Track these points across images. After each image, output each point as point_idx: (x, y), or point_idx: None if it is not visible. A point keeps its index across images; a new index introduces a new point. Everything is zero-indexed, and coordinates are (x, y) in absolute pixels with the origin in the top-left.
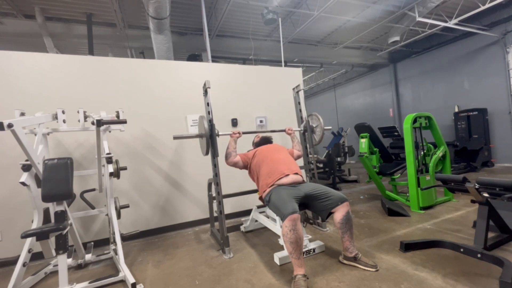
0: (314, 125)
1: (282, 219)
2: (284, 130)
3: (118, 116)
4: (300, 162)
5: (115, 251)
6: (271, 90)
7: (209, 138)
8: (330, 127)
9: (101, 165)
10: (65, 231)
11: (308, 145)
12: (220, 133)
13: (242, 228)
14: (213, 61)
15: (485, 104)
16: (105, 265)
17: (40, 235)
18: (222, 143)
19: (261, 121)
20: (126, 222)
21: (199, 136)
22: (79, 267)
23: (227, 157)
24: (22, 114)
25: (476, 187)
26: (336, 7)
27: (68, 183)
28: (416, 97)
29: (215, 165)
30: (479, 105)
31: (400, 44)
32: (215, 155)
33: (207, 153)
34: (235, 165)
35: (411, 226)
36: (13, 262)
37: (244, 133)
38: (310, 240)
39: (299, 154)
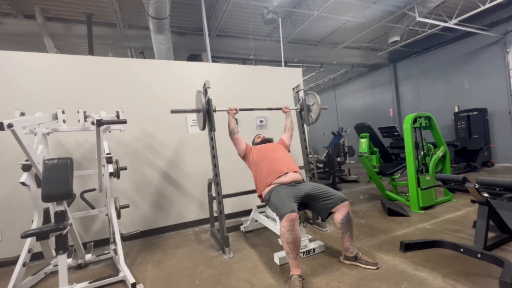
0: (310, 103)
1: (280, 219)
2: (280, 109)
3: (118, 116)
4: (300, 162)
5: (115, 251)
6: (271, 90)
7: (206, 113)
8: (326, 106)
9: (101, 165)
10: (65, 231)
11: (305, 125)
12: (217, 109)
13: (242, 228)
14: (213, 61)
15: (485, 104)
16: (105, 265)
17: (40, 235)
18: (222, 148)
19: (261, 121)
20: (126, 222)
21: (197, 111)
22: (79, 267)
23: (231, 133)
24: (22, 114)
25: (476, 187)
26: (336, 7)
27: (68, 183)
28: (416, 97)
29: (215, 165)
30: (479, 105)
31: (400, 44)
32: (212, 130)
33: (204, 128)
34: (237, 144)
35: (411, 226)
36: (13, 262)
37: (241, 109)
38: (310, 240)
39: (289, 134)
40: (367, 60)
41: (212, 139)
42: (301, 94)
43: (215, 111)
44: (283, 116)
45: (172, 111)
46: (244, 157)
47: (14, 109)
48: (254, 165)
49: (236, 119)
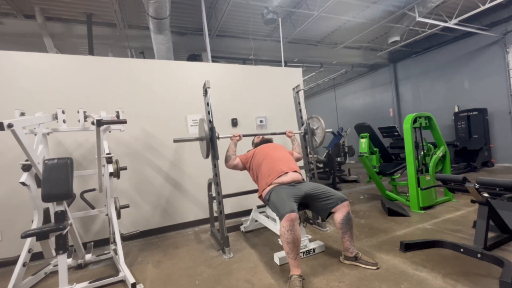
0: (314, 127)
1: (280, 218)
2: (284, 133)
3: (118, 116)
4: (300, 162)
5: (115, 251)
6: (271, 90)
7: (210, 141)
8: (330, 129)
9: (101, 165)
10: (65, 231)
11: (308, 148)
12: (220, 136)
13: (242, 228)
14: (213, 61)
15: (485, 104)
16: (105, 265)
17: (40, 235)
18: (222, 146)
19: (261, 121)
20: (126, 222)
21: (199, 139)
22: (79, 267)
23: (226, 160)
24: (22, 114)
25: (476, 187)
26: (336, 7)
27: (68, 183)
28: (416, 97)
29: (215, 165)
30: (479, 105)
31: (400, 44)
32: (215, 158)
33: (207, 156)
34: (234, 167)
35: (411, 226)
36: (13, 262)
37: (244, 135)
38: (310, 240)
39: (299, 156)
40: (367, 60)
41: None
42: (305, 117)
43: (218, 138)
44: (283, 117)
45: (175, 141)
46: (244, 167)
47: (14, 109)
48: (256, 166)
49: (237, 120)
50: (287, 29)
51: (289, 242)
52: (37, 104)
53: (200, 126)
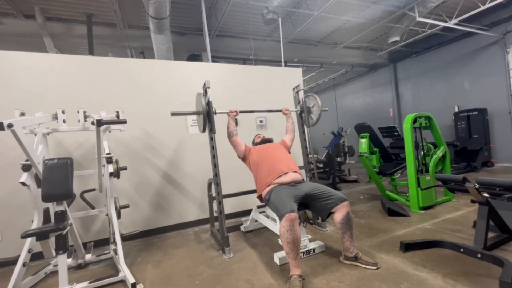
0: (311, 105)
1: (280, 218)
2: (280, 111)
3: (118, 116)
4: (300, 162)
5: (115, 251)
6: (271, 90)
7: (206, 115)
8: (327, 108)
9: (101, 165)
10: (65, 231)
11: (305, 126)
12: (217, 111)
13: (242, 228)
14: (213, 61)
15: (485, 104)
16: (105, 265)
17: (40, 235)
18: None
19: (261, 121)
20: (126, 222)
21: (197, 113)
22: (79, 267)
23: (230, 135)
24: (22, 114)
25: (476, 187)
26: (336, 7)
27: (68, 183)
28: (416, 97)
29: (215, 165)
30: (479, 105)
31: (400, 44)
32: (212, 132)
33: (204, 130)
34: (236, 146)
35: (411, 226)
36: (13, 262)
37: (241, 111)
38: (310, 240)
39: (292, 136)
40: (367, 60)
41: (212, 139)
42: (302, 95)
43: (215, 113)
44: (283, 116)
45: (172, 114)
46: (243, 158)
47: (14, 109)
48: (254, 165)
49: (237, 120)
50: (287, 29)
51: (289, 242)
52: (37, 104)
53: (197, 101)
